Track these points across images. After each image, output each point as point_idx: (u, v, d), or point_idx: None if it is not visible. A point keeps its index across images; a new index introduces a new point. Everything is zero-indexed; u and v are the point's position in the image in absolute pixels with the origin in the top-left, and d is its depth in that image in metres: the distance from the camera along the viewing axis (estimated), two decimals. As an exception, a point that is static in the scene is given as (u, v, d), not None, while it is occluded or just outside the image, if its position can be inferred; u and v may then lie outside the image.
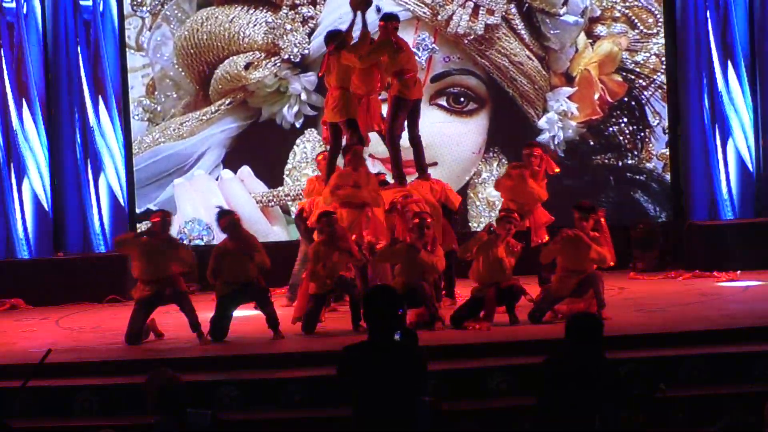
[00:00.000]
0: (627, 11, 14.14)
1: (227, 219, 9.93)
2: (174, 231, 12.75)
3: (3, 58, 13.81)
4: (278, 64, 14.27)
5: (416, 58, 13.72)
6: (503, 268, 9.67)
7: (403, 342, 5.46)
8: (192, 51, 14.42)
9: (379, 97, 11.70)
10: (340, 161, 11.42)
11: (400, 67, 11.06)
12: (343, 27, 11.64)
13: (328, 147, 11.64)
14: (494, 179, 12.89)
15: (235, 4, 14.39)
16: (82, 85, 14.01)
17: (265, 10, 14.32)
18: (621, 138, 14.21)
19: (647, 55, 14.07)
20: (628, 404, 5.86)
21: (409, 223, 10.19)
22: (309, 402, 8.31)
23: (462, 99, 14.34)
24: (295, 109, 14.29)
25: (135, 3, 14.46)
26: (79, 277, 13.26)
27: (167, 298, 9.78)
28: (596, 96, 14.16)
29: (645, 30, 14.09)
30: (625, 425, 5.73)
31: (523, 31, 14.16)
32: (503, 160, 14.13)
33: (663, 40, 13.93)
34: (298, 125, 14.27)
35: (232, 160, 14.38)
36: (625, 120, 14.19)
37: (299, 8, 14.22)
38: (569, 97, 14.12)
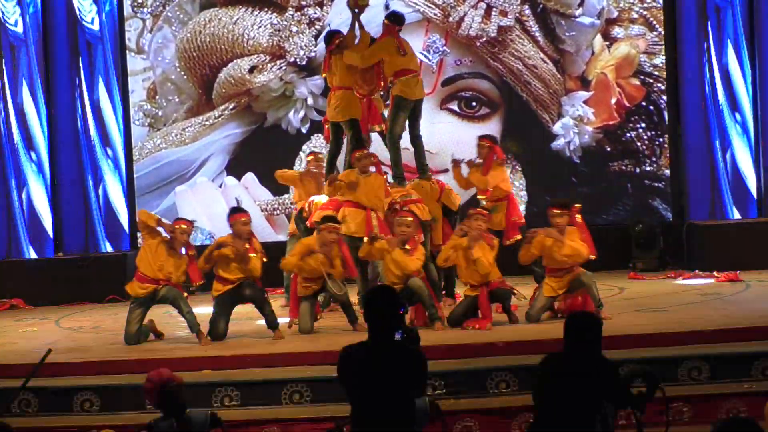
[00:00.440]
0: (645, 12, 13.86)
1: (237, 218, 9.87)
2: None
3: (4, 66, 13.78)
4: (284, 68, 14.03)
5: (427, 61, 13.65)
6: (483, 267, 9.60)
7: (404, 342, 5.45)
8: (194, 54, 14.16)
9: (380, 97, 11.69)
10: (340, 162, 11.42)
11: (402, 66, 11.06)
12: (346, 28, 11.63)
13: (328, 146, 11.65)
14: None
15: (239, 6, 14.13)
16: (83, 87, 13.93)
17: (270, 12, 14.07)
18: (639, 144, 13.95)
19: (666, 57, 13.77)
20: (627, 404, 5.86)
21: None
22: (309, 402, 8.31)
23: (474, 103, 14.04)
24: (302, 113, 14.02)
25: (135, 4, 14.20)
26: (79, 277, 13.26)
27: (162, 299, 9.77)
28: (613, 100, 13.85)
29: (664, 32, 13.79)
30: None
31: (537, 33, 13.86)
32: (517, 167, 13.91)
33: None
34: (304, 130, 14.01)
35: (235, 167, 14.11)
36: (643, 125, 13.90)
37: (305, 9, 13.98)
38: (585, 102, 13.83)
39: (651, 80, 13.88)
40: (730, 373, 8.26)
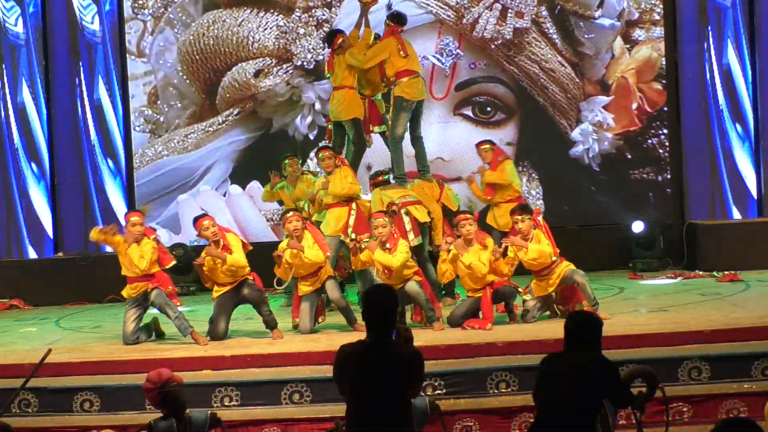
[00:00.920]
0: (667, 14, 13.41)
1: (199, 224, 9.87)
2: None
3: (4, 67, 13.78)
4: (290, 72, 13.67)
5: (440, 64, 13.34)
6: (479, 270, 9.58)
7: (397, 341, 5.46)
8: (197, 57, 13.79)
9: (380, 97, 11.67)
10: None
11: (403, 67, 11.06)
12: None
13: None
14: (525, 197, 12.59)
15: (244, 7, 13.76)
16: (83, 88, 13.89)
17: (276, 13, 13.71)
18: (661, 151, 13.69)
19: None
20: (627, 404, 5.86)
21: (408, 224, 10.26)
22: (309, 402, 8.31)
23: (489, 108, 13.66)
24: (309, 119, 13.66)
25: (136, 5, 13.84)
26: (79, 277, 13.26)
27: (152, 304, 9.77)
28: (634, 105, 13.57)
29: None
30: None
31: (555, 36, 13.49)
32: (533, 175, 13.62)
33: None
34: (311, 137, 13.64)
35: (240, 175, 13.74)
36: (666, 132, 13.66)
37: (313, 11, 13.63)
38: (605, 107, 13.53)
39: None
40: (730, 373, 8.27)
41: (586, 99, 13.62)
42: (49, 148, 13.94)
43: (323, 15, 13.69)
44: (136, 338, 9.70)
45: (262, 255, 10.50)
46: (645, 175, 13.67)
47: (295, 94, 13.77)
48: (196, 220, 9.98)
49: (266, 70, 13.76)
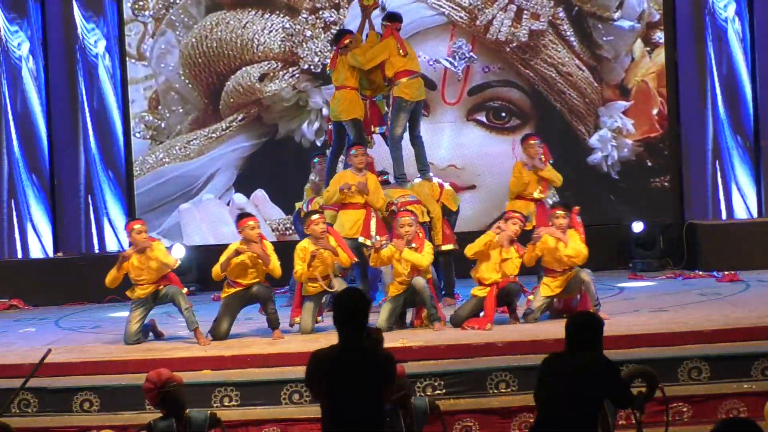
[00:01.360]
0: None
1: (244, 223, 9.86)
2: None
3: (4, 67, 13.76)
4: (297, 75, 13.34)
5: (452, 68, 13.02)
6: (508, 268, 9.68)
7: (368, 342, 5.48)
8: (200, 60, 13.43)
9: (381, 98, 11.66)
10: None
11: (403, 67, 11.07)
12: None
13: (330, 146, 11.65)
14: None
15: (249, 8, 13.40)
16: (83, 93, 13.70)
17: (282, 15, 13.35)
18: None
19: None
20: (628, 404, 5.86)
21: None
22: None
23: (503, 114, 13.28)
24: (316, 125, 13.27)
25: (136, 7, 13.49)
26: (79, 277, 13.26)
27: (163, 298, 9.79)
28: (655, 111, 13.29)
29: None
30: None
31: (572, 38, 13.12)
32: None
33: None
34: (319, 143, 13.18)
35: (244, 183, 13.42)
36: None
37: (320, 12, 13.29)
38: (624, 112, 13.25)
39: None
40: (730, 373, 8.27)
41: (605, 104, 13.30)
42: (49, 148, 13.90)
43: (331, 16, 13.37)
44: (137, 339, 9.71)
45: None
46: (666, 183, 13.42)
47: (302, 98, 13.43)
48: (241, 217, 9.95)
49: (272, 74, 13.42)
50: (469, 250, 9.86)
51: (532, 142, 11.24)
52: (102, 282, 12.72)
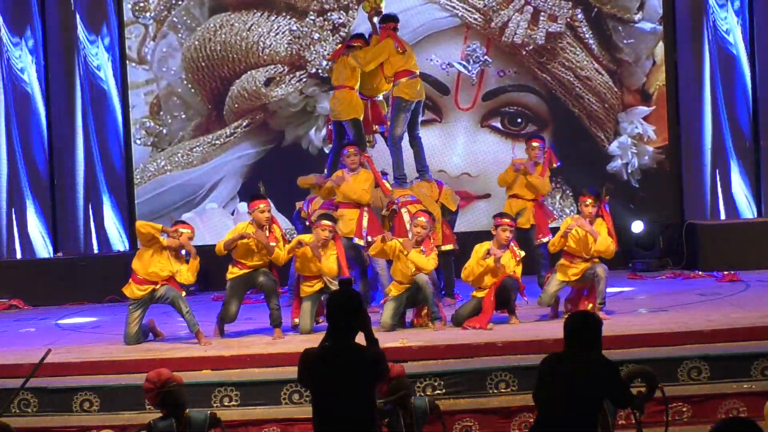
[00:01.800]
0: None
1: (255, 205, 9.79)
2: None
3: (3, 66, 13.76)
4: (304, 80, 13.02)
5: (466, 72, 12.72)
6: (504, 272, 9.68)
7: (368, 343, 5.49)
8: (203, 64, 13.11)
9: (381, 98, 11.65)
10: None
11: (402, 67, 11.08)
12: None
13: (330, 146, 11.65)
14: (559, 215, 12.11)
15: (254, 10, 13.06)
16: (83, 96, 13.66)
17: (288, 17, 13.02)
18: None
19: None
20: (627, 404, 5.87)
21: (407, 223, 10.29)
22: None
23: (519, 120, 12.95)
24: (323, 131, 12.78)
25: (137, 8, 13.19)
26: (79, 277, 13.27)
27: (160, 298, 9.78)
28: None
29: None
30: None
31: (591, 41, 12.77)
32: (567, 191, 12.88)
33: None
34: (326, 150, 12.66)
35: (249, 192, 12.60)
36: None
37: (328, 14, 12.97)
38: (645, 118, 12.98)
39: (719, 93, 12.93)
40: (730, 373, 8.28)
41: (625, 109, 13.01)
42: (49, 147, 13.89)
43: (339, 18, 13.04)
44: (137, 339, 9.72)
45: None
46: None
47: (309, 104, 13.12)
48: (253, 198, 9.88)
49: (278, 78, 13.11)
50: (466, 277, 9.81)
51: (534, 144, 11.23)
52: (102, 282, 12.79)
